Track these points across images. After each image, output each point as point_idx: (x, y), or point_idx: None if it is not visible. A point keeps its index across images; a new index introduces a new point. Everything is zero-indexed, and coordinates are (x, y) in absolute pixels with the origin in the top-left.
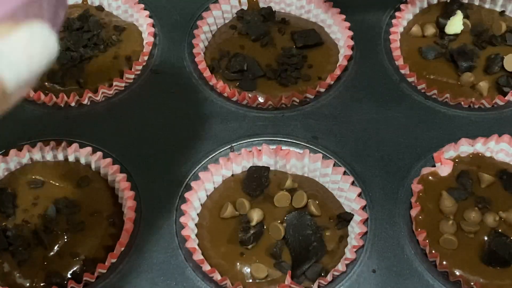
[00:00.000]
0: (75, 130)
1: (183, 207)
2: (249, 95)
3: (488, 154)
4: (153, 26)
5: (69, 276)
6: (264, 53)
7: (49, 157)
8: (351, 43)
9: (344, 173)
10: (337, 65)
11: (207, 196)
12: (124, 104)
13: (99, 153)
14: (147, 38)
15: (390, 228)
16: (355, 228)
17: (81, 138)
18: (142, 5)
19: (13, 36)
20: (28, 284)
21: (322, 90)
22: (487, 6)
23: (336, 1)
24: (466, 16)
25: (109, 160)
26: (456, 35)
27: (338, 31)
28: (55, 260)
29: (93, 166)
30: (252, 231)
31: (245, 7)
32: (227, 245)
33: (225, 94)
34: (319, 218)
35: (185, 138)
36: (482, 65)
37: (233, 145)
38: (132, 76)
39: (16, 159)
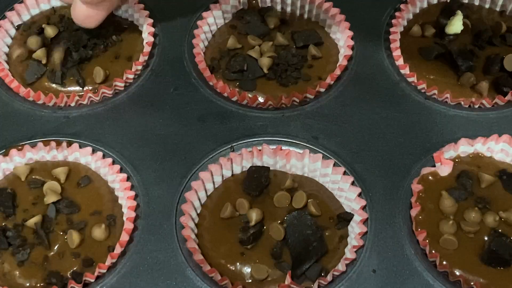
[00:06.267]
0: (75, 130)
1: (183, 207)
2: (249, 95)
3: (488, 154)
4: (153, 26)
5: (69, 276)
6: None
7: (49, 157)
8: (351, 43)
9: (344, 173)
10: (337, 65)
11: (207, 196)
12: (124, 104)
13: (99, 153)
14: (147, 38)
15: (390, 228)
16: (355, 228)
17: (81, 138)
18: (142, 5)
19: None
20: (28, 284)
21: (322, 90)
22: (487, 6)
23: (336, 1)
24: (466, 16)
25: (109, 160)
26: (456, 35)
27: (338, 31)
28: (55, 260)
29: (93, 166)
30: (251, 231)
31: (245, 7)
32: (227, 245)
33: (225, 94)
34: (319, 218)
35: (185, 138)
36: (482, 65)
37: (233, 145)
38: (132, 76)
39: (16, 159)
